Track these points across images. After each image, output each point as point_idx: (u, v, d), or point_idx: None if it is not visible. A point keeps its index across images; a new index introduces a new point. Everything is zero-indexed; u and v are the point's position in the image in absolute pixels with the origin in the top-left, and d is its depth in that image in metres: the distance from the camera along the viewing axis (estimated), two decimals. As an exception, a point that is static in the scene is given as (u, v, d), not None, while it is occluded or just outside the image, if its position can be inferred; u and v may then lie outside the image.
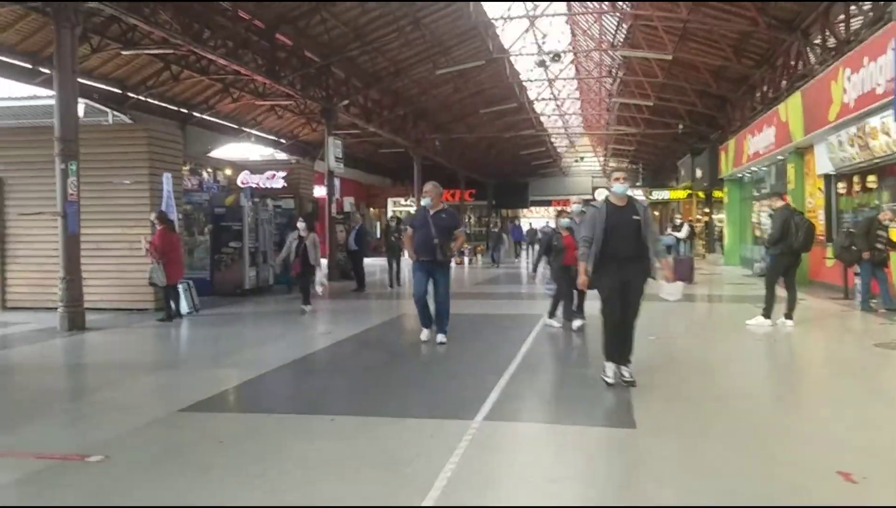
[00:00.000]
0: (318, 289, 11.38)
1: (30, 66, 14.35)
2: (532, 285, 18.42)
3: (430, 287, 7.95)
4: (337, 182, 19.66)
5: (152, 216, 10.42)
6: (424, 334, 8.08)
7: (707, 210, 32.36)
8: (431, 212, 7.80)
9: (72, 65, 9.31)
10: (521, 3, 18.37)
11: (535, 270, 9.90)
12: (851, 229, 11.22)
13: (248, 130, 23.60)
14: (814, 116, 13.57)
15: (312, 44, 16.85)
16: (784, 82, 17.15)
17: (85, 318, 9.52)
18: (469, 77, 22.71)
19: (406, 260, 10.42)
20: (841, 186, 14.01)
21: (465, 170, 35.96)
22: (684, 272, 15.11)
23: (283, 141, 26.23)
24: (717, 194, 30.42)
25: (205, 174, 17.21)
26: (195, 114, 20.51)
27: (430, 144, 29.53)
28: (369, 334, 9.27)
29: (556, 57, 19.32)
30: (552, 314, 9.18)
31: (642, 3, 17.64)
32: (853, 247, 10.51)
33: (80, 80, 15.93)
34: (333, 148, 18.56)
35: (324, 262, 19.39)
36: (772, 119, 16.80)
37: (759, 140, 18.22)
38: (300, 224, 11.07)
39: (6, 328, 9.61)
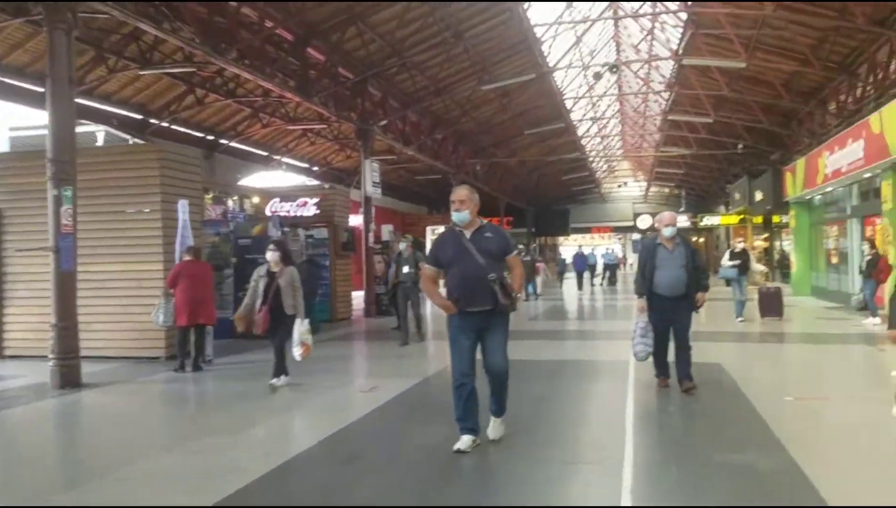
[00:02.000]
0: (297, 353, 7.38)
1: (42, 89, 13.08)
2: (590, 320, 16.50)
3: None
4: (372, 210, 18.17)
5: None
6: (464, 442, 4.83)
7: (766, 236, 30.25)
8: (468, 234, 4.94)
9: (68, 73, 7.90)
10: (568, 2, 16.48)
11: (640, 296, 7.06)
12: None
13: (278, 157, 22.34)
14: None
15: (347, 59, 15.46)
16: (871, 91, 15.34)
17: (80, 372, 7.97)
18: (513, 96, 21.17)
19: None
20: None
21: (505, 196, 34.30)
22: (774, 306, 13.23)
23: (315, 168, 24.95)
24: (776, 218, 28.41)
25: (230, 203, 15.82)
26: (223, 141, 19.30)
27: (470, 169, 28.02)
28: (419, 391, 7.46)
29: (615, 68, 17.62)
30: None
31: (710, 6, 15.90)
32: None
33: (97, 105, 15.01)
34: (370, 172, 17.08)
35: (387, 293, 17.63)
36: (860, 132, 14.83)
37: (840, 157, 16.20)
38: (270, 254, 7.41)
39: (-9, 385, 8.11)
